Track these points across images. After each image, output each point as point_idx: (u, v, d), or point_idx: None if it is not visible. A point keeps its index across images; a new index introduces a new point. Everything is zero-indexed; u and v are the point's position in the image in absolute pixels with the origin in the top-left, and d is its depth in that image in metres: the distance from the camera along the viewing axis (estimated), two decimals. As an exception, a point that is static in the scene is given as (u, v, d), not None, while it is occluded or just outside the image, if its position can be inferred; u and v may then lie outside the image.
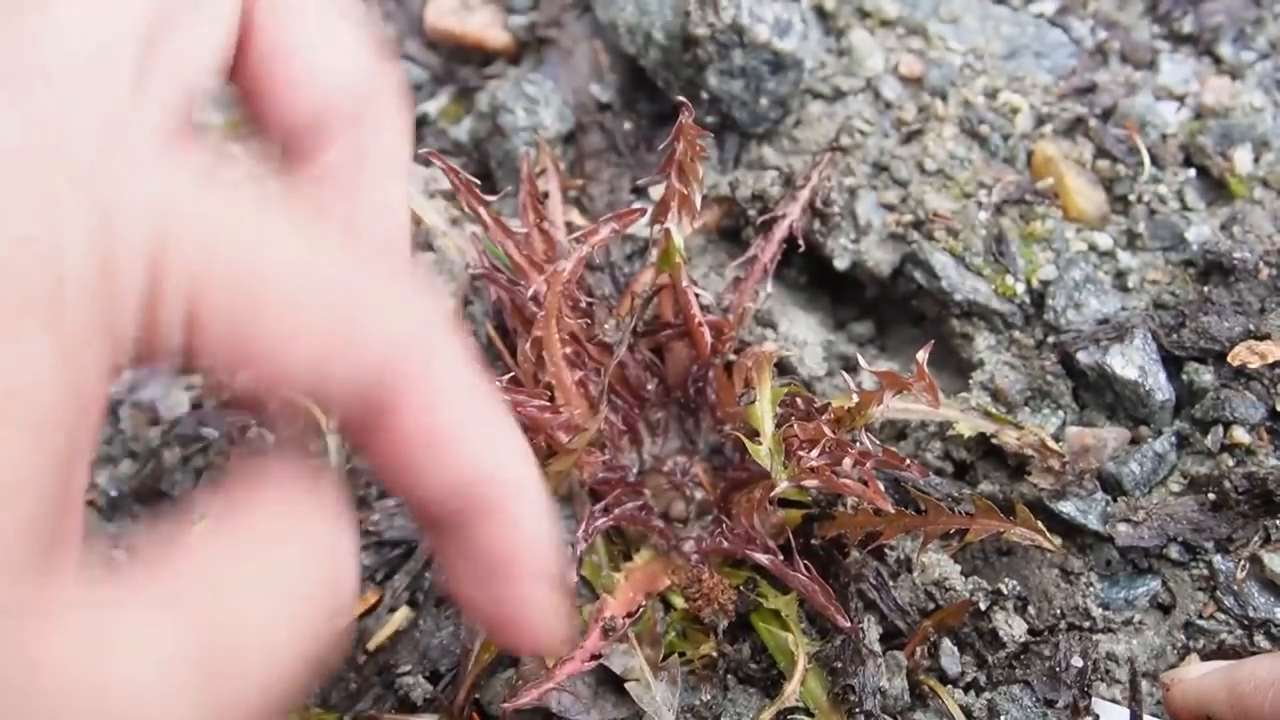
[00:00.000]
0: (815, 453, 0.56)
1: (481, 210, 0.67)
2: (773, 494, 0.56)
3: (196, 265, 0.28)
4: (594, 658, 0.56)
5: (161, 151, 0.29)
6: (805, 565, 0.61)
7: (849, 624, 0.60)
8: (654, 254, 0.66)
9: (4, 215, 0.24)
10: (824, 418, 0.58)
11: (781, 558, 0.61)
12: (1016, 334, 0.73)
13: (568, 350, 0.64)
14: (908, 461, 0.58)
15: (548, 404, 0.62)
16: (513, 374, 0.67)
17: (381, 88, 0.38)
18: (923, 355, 0.57)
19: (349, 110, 0.37)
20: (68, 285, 0.25)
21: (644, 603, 0.60)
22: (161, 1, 0.32)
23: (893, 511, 0.62)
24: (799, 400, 0.62)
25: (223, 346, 0.30)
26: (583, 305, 0.68)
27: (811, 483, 0.55)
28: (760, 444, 0.55)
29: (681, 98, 0.67)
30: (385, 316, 0.33)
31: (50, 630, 0.24)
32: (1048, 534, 0.60)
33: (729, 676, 0.62)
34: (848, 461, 0.55)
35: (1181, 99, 0.83)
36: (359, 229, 0.39)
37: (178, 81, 0.32)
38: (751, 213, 0.76)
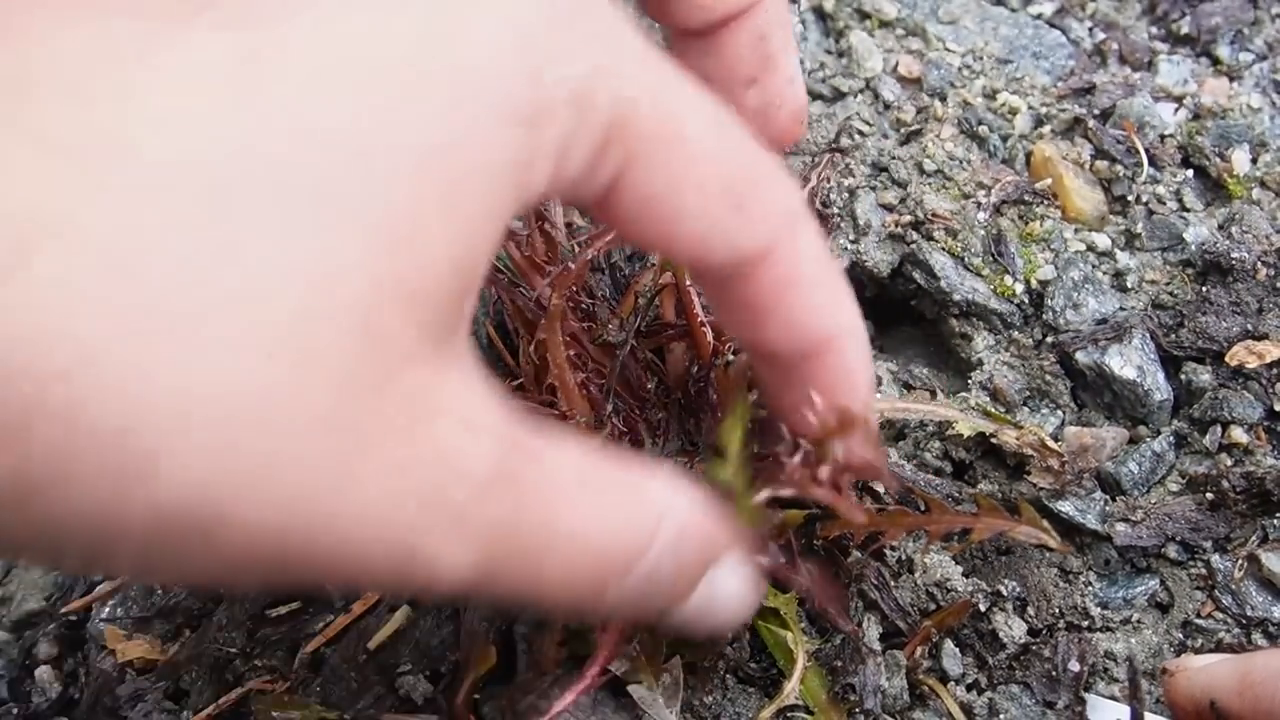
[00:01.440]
0: (798, 458, 0.55)
1: None
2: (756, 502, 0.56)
3: (639, 130, 0.32)
4: (604, 671, 0.56)
5: (611, 29, 0.33)
6: (808, 569, 0.61)
7: (851, 626, 0.60)
8: (655, 254, 0.66)
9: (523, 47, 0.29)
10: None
11: (783, 559, 0.61)
12: (1015, 334, 0.73)
13: (570, 353, 0.64)
14: (884, 473, 0.57)
15: (551, 409, 0.62)
16: (515, 377, 0.67)
17: None
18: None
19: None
20: (551, 117, 0.29)
21: None
22: None
23: (892, 506, 0.62)
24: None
25: (634, 203, 0.34)
26: (584, 307, 0.68)
27: (786, 492, 0.54)
28: (725, 465, 0.55)
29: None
30: (776, 194, 0.38)
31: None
32: (1053, 532, 0.60)
33: (729, 677, 0.63)
34: (823, 470, 0.54)
35: (1180, 100, 0.83)
36: (774, 103, 0.46)
37: None
38: (751, 213, 0.76)
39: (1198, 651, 0.62)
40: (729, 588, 0.42)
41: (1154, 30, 0.89)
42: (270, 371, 0.25)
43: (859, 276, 0.78)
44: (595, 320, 0.68)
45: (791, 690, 0.58)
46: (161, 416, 0.24)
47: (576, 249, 0.63)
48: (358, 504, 0.27)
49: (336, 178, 0.26)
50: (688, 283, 0.66)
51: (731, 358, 0.68)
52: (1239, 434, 0.67)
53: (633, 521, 0.35)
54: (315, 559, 0.27)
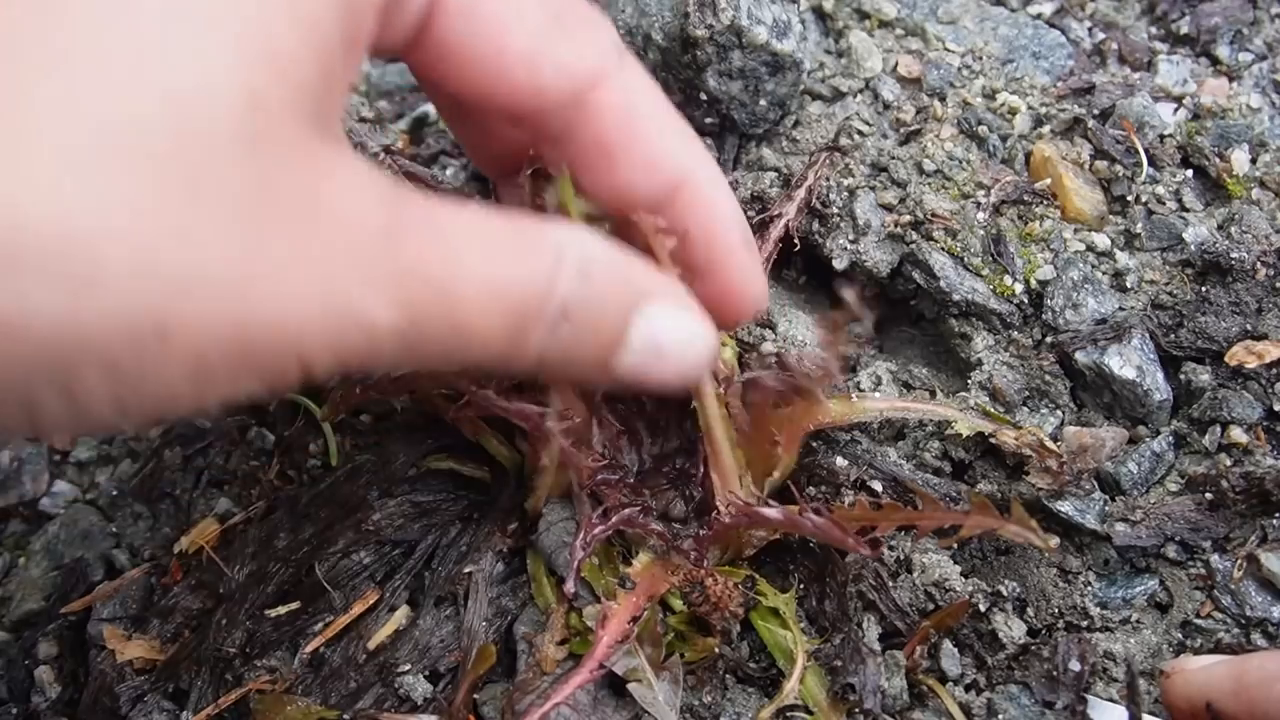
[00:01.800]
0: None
1: None
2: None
3: None
4: (601, 667, 0.56)
5: None
6: (814, 509, 0.59)
7: (871, 550, 0.58)
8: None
9: None
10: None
11: (789, 511, 0.60)
12: (1015, 334, 0.73)
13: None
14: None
15: (548, 409, 0.62)
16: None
17: None
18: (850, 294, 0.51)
19: None
20: None
21: (646, 606, 0.60)
22: None
23: (886, 502, 0.62)
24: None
25: (458, 24, 0.39)
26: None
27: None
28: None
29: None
30: (596, 23, 0.43)
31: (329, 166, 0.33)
32: (1041, 532, 0.60)
33: (728, 676, 0.63)
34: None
35: (1179, 100, 0.83)
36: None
37: None
38: (751, 214, 0.76)
39: (1197, 652, 0.62)
40: (673, 331, 0.42)
41: (1153, 30, 0.89)
42: (172, 188, 0.28)
43: (859, 276, 0.78)
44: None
45: (791, 690, 0.58)
46: (92, 243, 0.27)
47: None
48: (282, 281, 0.30)
49: (183, 14, 0.30)
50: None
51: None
52: (1238, 434, 0.67)
53: (534, 258, 0.37)
54: (265, 345, 0.31)
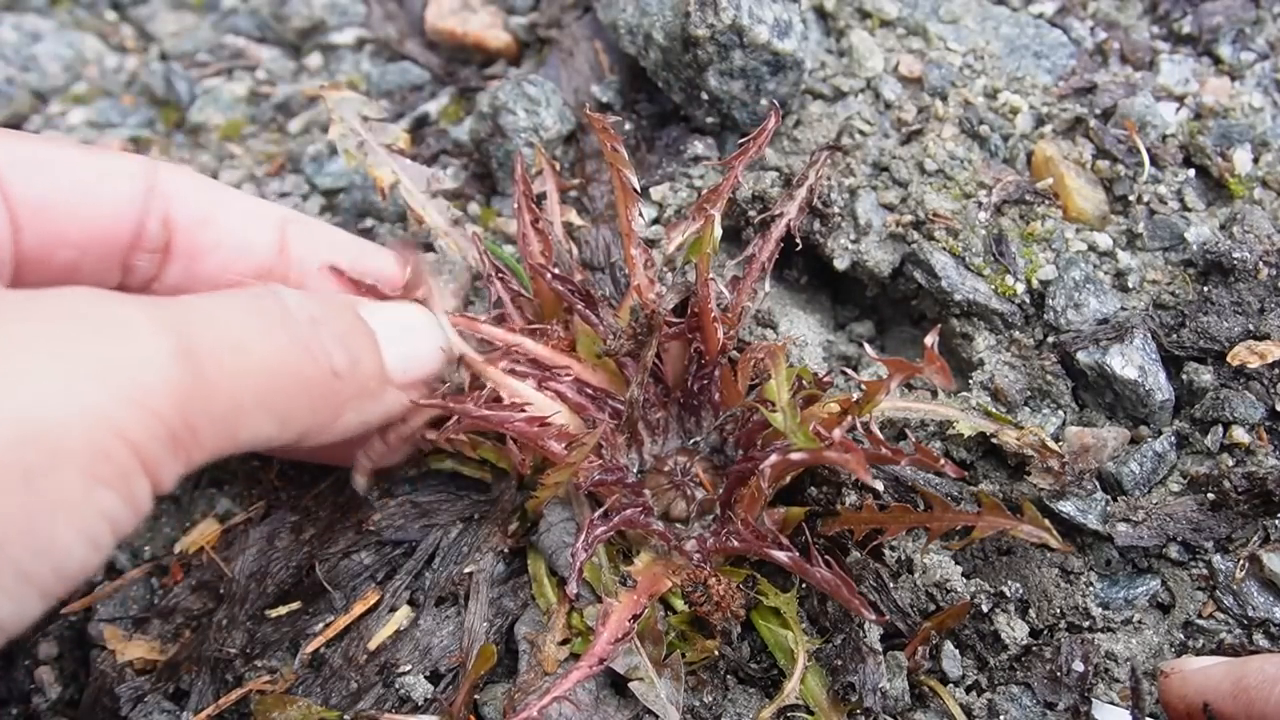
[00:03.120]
0: (838, 433, 0.55)
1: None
2: (789, 455, 0.56)
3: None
4: (601, 662, 0.56)
5: None
6: (825, 560, 0.60)
7: (877, 616, 0.60)
8: (673, 241, 0.66)
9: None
10: (832, 398, 0.60)
11: (798, 554, 0.61)
12: (1016, 334, 0.73)
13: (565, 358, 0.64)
14: (905, 459, 0.58)
15: (535, 416, 0.61)
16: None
17: None
18: (931, 339, 0.55)
19: None
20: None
21: (647, 605, 0.60)
22: None
23: (893, 503, 0.62)
24: (804, 383, 0.63)
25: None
26: (580, 311, 0.68)
27: (832, 454, 0.54)
28: (776, 413, 0.57)
29: (778, 104, 0.69)
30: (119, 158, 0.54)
31: None
32: (1055, 532, 0.60)
33: (729, 677, 0.63)
34: (837, 430, 0.56)
35: (1181, 99, 0.83)
36: None
37: None
38: (752, 213, 0.76)
39: (1198, 652, 0.62)
40: (394, 312, 0.56)
41: (1155, 29, 0.89)
42: None
43: (860, 276, 0.78)
44: (596, 310, 0.68)
45: (792, 690, 0.58)
46: None
47: (574, 250, 0.63)
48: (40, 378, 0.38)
49: None
50: (709, 275, 0.66)
51: (735, 354, 0.68)
52: (1240, 434, 0.67)
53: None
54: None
